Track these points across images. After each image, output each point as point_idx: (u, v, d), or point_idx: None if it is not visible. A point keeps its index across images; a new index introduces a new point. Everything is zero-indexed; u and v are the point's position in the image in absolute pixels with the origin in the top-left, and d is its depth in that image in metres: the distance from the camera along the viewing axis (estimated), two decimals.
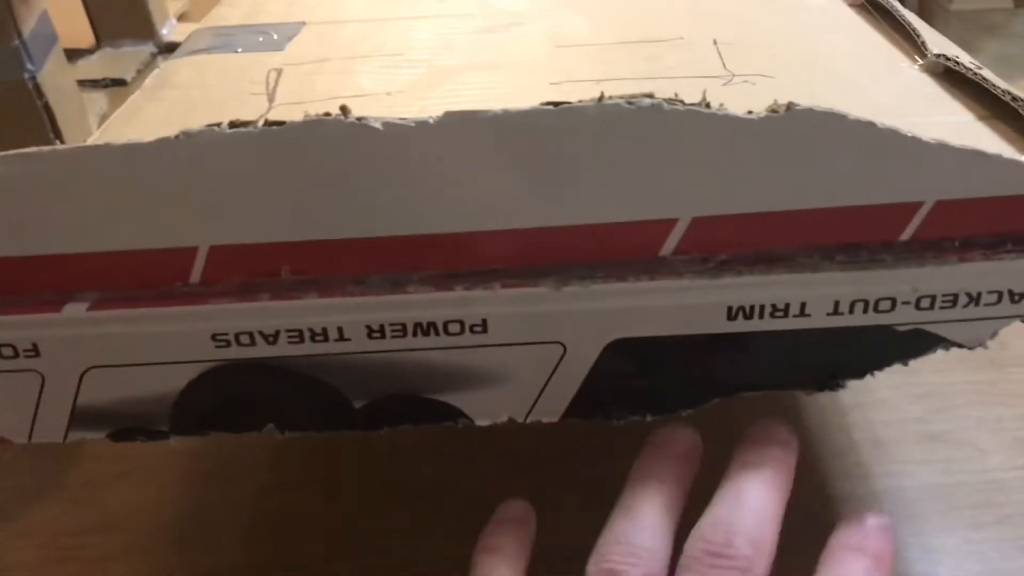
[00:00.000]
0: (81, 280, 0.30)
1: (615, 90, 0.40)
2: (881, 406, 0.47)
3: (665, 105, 0.27)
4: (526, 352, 0.30)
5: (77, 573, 0.41)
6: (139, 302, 0.30)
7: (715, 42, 0.45)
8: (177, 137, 0.28)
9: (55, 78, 0.70)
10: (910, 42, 0.43)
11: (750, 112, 0.28)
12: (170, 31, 0.98)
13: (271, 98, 0.42)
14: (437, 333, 0.30)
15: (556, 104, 0.27)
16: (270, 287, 0.30)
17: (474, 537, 0.41)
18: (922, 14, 2.38)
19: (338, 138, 0.27)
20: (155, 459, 0.47)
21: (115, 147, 0.28)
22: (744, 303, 0.29)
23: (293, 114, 0.40)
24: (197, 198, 0.28)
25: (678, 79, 0.41)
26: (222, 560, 0.41)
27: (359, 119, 0.27)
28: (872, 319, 0.30)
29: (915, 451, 0.44)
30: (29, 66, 0.67)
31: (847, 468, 0.43)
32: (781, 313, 0.30)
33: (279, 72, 0.45)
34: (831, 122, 0.27)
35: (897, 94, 0.39)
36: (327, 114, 0.28)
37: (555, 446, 0.45)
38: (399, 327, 0.30)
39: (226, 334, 0.30)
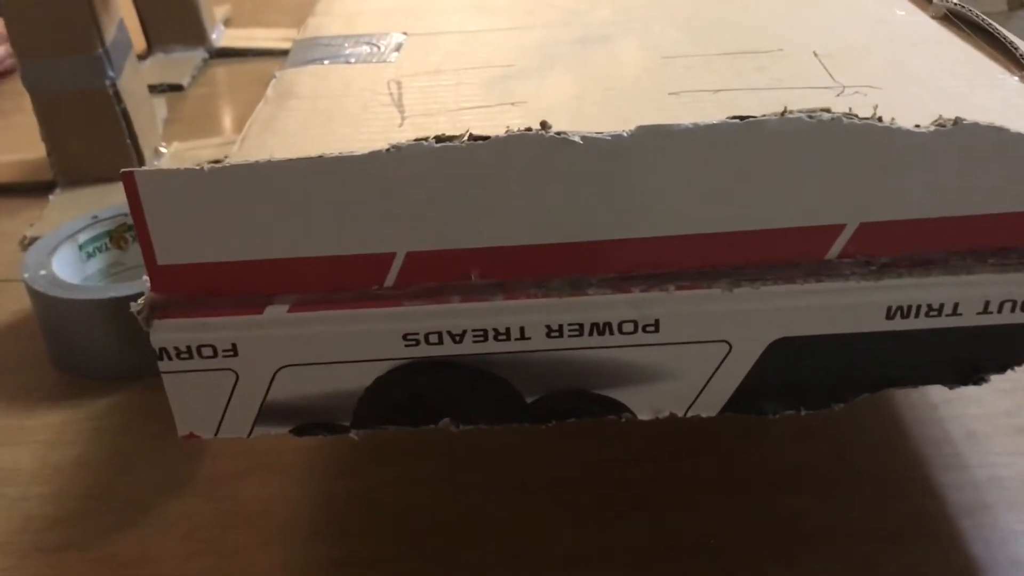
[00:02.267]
0: (282, 283, 0.32)
1: (734, 100, 0.42)
2: (970, 401, 0.49)
3: (844, 119, 0.29)
4: (694, 350, 0.32)
5: (219, 565, 0.43)
6: (336, 304, 0.32)
7: (815, 54, 0.47)
8: (388, 150, 0.30)
9: (131, 84, 0.72)
10: (1005, 54, 0.45)
11: (918, 125, 0.30)
12: (219, 36, 1.00)
13: (401, 109, 0.44)
14: (612, 332, 0.32)
15: (742, 118, 0.29)
16: (460, 290, 0.32)
17: (595, 527, 0.44)
18: None
19: (539, 151, 0.29)
20: (275, 457, 0.48)
21: (328, 159, 0.30)
22: (902, 303, 0.32)
23: (428, 124, 0.42)
24: (399, 206, 0.30)
25: (792, 90, 0.43)
26: (357, 550, 0.43)
27: (559, 133, 0.29)
28: (1019, 318, 0.32)
29: (1008, 443, 0.47)
30: (110, 73, 0.69)
31: (946, 460, 0.46)
32: (935, 312, 0.32)
33: (399, 84, 0.47)
34: (993, 135, 0.29)
35: (1004, 105, 0.41)
36: (528, 129, 0.30)
37: (654, 444, 0.47)
38: (576, 327, 0.32)
39: (416, 334, 0.32)
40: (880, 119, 0.30)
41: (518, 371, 0.33)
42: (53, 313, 0.53)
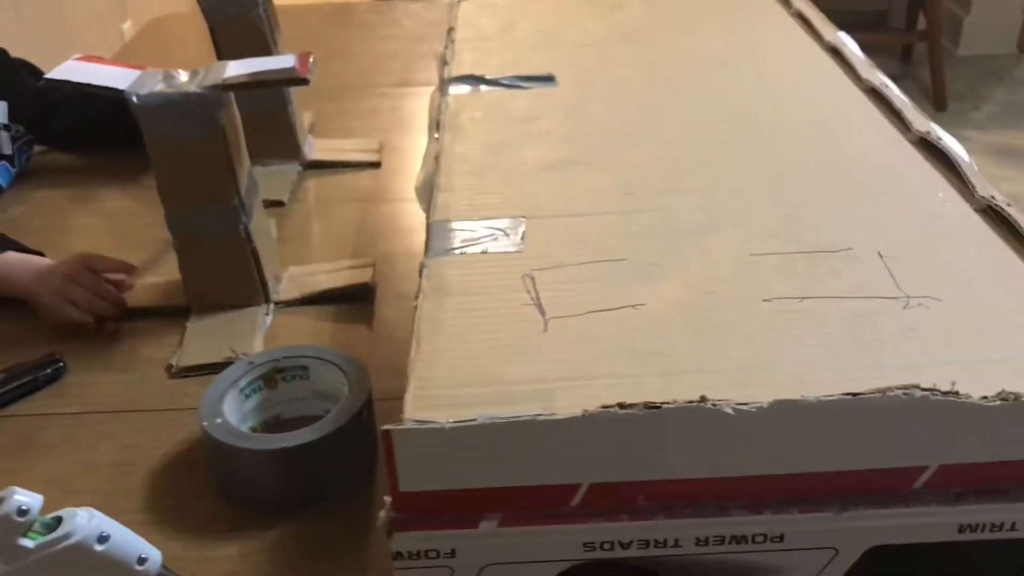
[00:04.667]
0: (493, 505, 0.41)
1: (818, 310, 0.51)
2: None
3: (930, 396, 0.39)
4: (809, 554, 0.42)
5: None
6: (534, 520, 0.41)
7: (880, 255, 0.56)
8: (582, 415, 0.39)
9: (259, 224, 0.82)
10: None
11: (985, 397, 0.39)
12: (310, 149, 1.10)
13: (542, 310, 0.53)
14: (747, 542, 0.41)
15: (855, 395, 0.39)
16: (629, 510, 0.41)
17: None
18: (931, 59, 2.51)
19: (699, 416, 0.39)
20: None
21: (538, 422, 0.39)
22: (972, 522, 0.41)
23: (569, 329, 0.51)
24: (587, 451, 0.40)
25: (866, 299, 0.52)
26: None
27: (714, 405, 0.39)
28: None
29: None
30: (243, 219, 0.79)
31: None
32: (998, 528, 0.41)
33: (532, 279, 0.56)
34: None
35: None
36: (702, 399, 0.39)
37: None
38: (720, 538, 0.41)
39: (593, 542, 0.42)
40: (957, 393, 0.39)
41: (671, 570, 0.42)
42: (230, 457, 0.62)
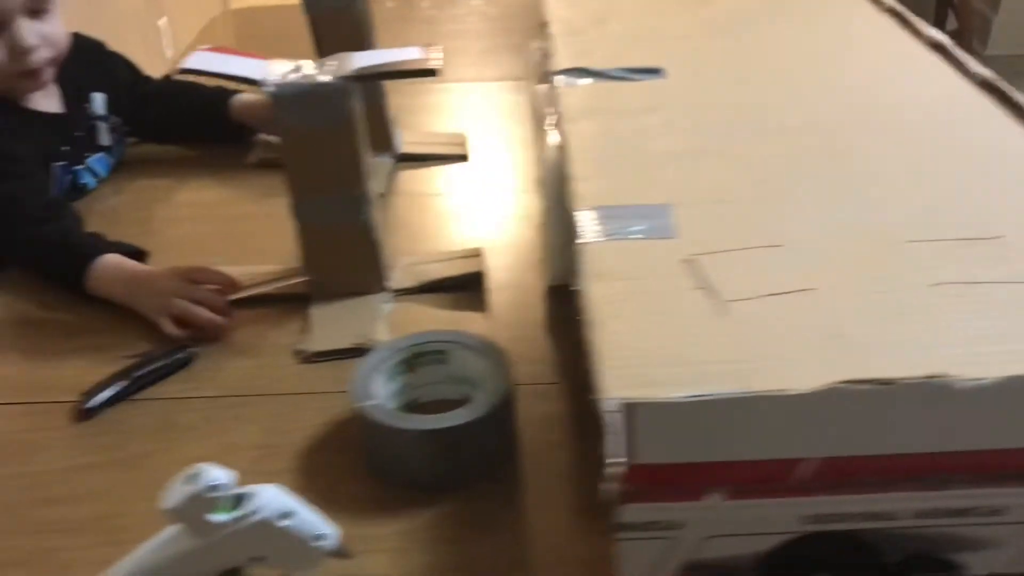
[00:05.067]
0: (720, 478, 0.42)
1: (991, 295, 0.52)
2: None
3: None
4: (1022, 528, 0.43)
5: None
6: (757, 493, 0.42)
7: None
8: (816, 390, 0.40)
9: (376, 213, 0.83)
10: None
11: None
12: (399, 143, 1.11)
13: (714, 293, 0.54)
14: (966, 515, 0.43)
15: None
16: (851, 484, 0.42)
17: None
18: None
19: (928, 391, 0.40)
20: (590, 566, 0.59)
21: (767, 396, 0.41)
22: None
23: (750, 312, 0.52)
24: (814, 425, 0.41)
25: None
26: None
27: (944, 380, 0.40)
28: None
29: None
30: (367, 208, 0.80)
31: None
32: None
33: (695, 263, 0.57)
34: None
35: None
36: (933, 374, 0.40)
37: None
38: (939, 511, 0.43)
39: (813, 515, 0.43)
40: None
41: (886, 540, 0.44)
42: (386, 438, 0.63)
